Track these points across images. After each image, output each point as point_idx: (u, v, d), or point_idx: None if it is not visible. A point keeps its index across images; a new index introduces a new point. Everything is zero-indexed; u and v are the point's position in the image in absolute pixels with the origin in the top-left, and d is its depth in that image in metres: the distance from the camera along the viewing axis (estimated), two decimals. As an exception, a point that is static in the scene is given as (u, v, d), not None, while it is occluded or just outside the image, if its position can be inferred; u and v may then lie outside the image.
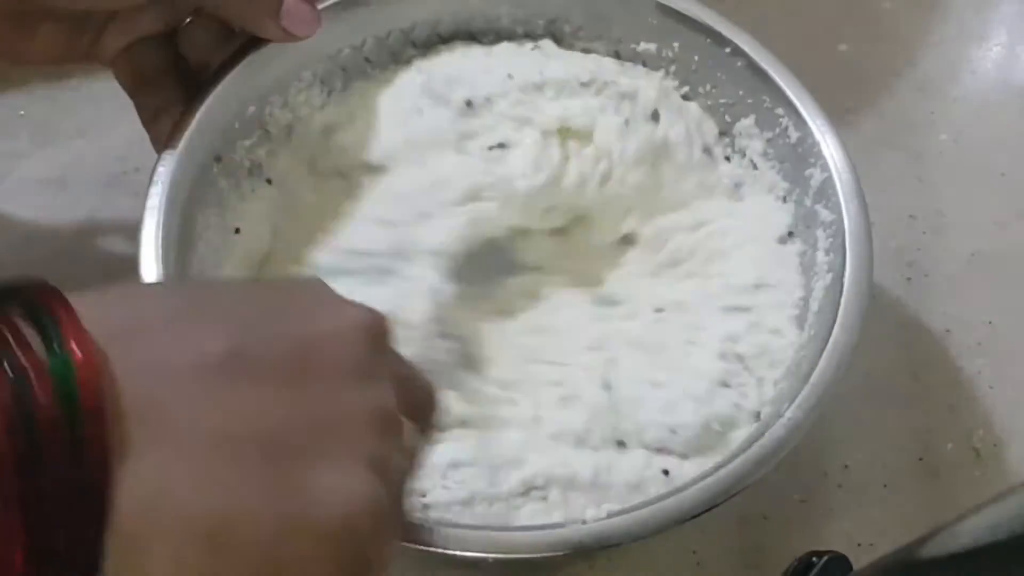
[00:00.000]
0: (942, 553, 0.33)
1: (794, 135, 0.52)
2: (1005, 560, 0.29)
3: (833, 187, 0.49)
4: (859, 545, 0.48)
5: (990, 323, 0.56)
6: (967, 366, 0.54)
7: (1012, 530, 0.29)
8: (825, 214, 0.49)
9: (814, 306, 0.48)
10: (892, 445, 0.52)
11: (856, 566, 0.42)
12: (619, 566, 0.49)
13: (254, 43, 0.51)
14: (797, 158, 0.52)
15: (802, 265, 0.51)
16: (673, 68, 0.57)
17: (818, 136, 0.50)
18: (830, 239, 0.49)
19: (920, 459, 0.51)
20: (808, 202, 0.51)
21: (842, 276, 0.46)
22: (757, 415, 0.46)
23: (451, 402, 0.46)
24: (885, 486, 0.51)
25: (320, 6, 0.53)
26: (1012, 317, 0.56)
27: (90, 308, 0.24)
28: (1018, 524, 0.29)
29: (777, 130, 0.53)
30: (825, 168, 0.49)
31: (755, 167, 0.54)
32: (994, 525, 0.30)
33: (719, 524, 0.49)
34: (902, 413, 0.53)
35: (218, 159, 0.51)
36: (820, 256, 0.49)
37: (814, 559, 0.43)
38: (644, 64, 0.58)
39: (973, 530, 0.32)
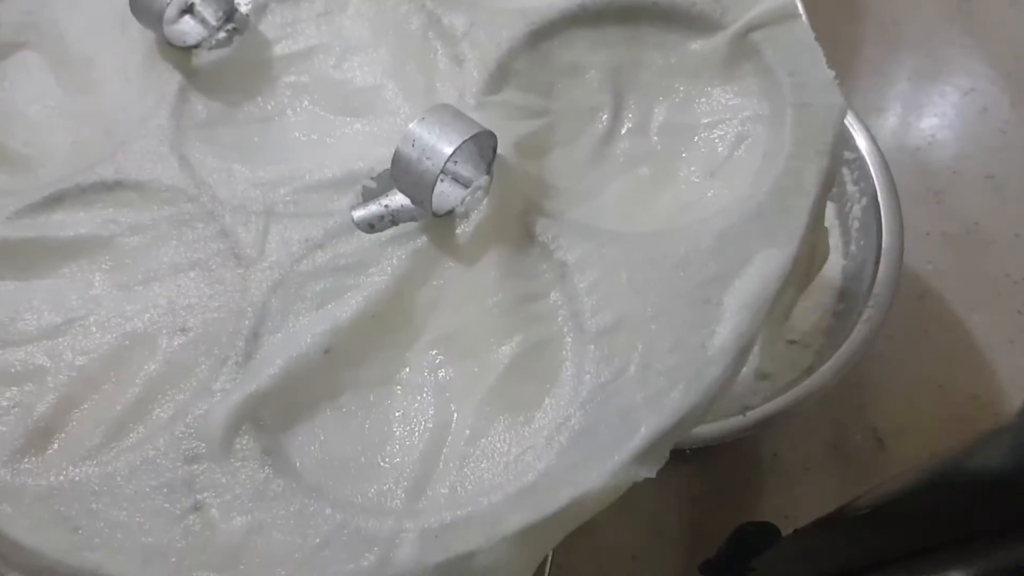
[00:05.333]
0: (850, 517, 0.38)
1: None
2: (894, 518, 0.34)
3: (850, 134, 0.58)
4: (786, 516, 0.54)
5: (890, 338, 0.62)
6: (871, 372, 0.61)
7: (903, 496, 0.34)
8: (847, 155, 0.58)
9: (856, 225, 0.58)
10: (812, 436, 0.59)
11: (784, 532, 0.47)
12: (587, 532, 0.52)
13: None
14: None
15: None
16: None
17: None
18: (856, 172, 0.58)
19: (835, 447, 0.58)
20: None
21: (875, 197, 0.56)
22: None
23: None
24: (807, 470, 0.57)
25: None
26: (904, 331, 0.62)
27: None
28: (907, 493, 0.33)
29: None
30: None
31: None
32: (889, 495, 0.35)
33: (674, 500, 0.55)
34: (819, 410, 0.59)
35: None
36: (850, 187, 0.58)
37: (750, 527, 0.49)
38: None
39: (873, 499, 0.36)
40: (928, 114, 0.75)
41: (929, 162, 0.72)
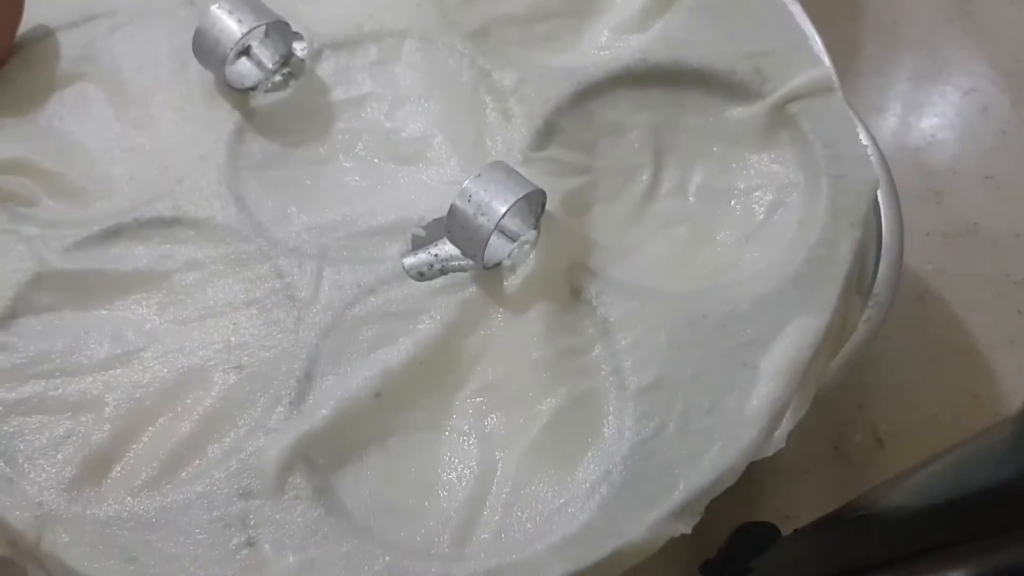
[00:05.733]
0: (850, 517, 0.39)
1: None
2: (894, 518, 0.34)
3: None
4: (786, 517, 0.55)
5: (889, 338, 0.62)
6: (870, 372, 0.62)
7: (903, 496, 0.34)
8: None
9: None
10: (811, 436, 0.59)
11: (783, 532, 0.48)
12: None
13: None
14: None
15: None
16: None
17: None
18: None
19: (835, 447, 0.59)
20: None
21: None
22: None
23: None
24: (806, 470, 0.58)
25: None
26: (904, 331, 0.63)
27: None
28: (907, 493, 0.34)
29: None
30: None
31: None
32: (890, 495, 0.36)
33: None
34: (819, 410, 0.58)
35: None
36: None
37: (750, 527, 0.50)
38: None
39: (873, 499, 0.37)
40: (928, 114, 0.75)
41: (929, 162, 0.72)
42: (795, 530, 0.46)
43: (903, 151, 0.73)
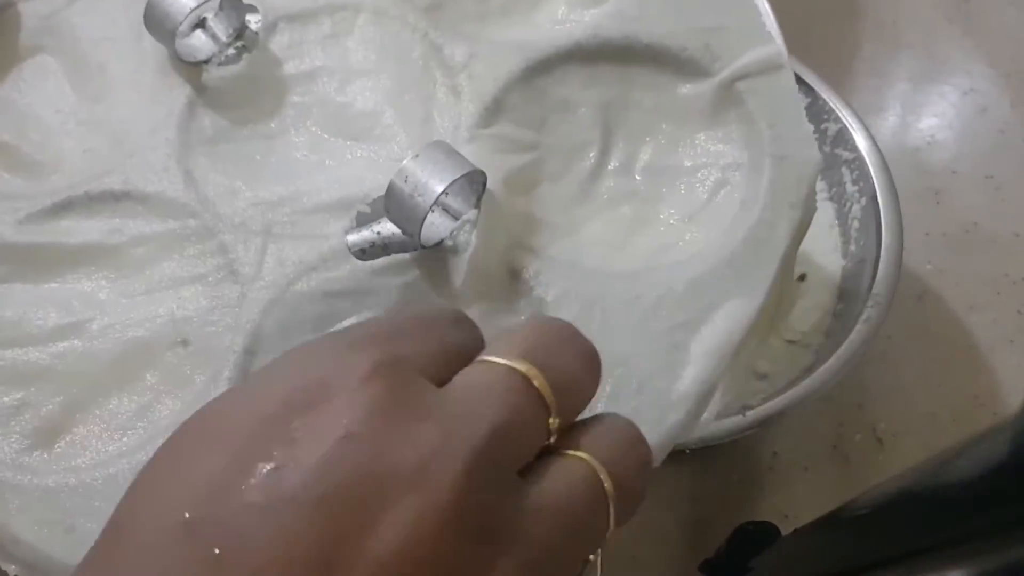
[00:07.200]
0: (849, 517, 0.40)
1: (805, 100, 0.63)
2: (894, 518, 0.35)
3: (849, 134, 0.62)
4: (786, 516, 0.57)
5: (889, 338, 0.64)
6: (870, 372, 0.63)
7: (903, 496, 0.35)
8: (846, 155, 0.62)
9: (855, 224, 0.60)
10: (811, 436, 0.60)
11: (783, 532, 0.50)
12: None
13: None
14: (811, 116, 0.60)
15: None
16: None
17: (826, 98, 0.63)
18: (855, 172, 0.61)
19: (834, 447, 0.60)
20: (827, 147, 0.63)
21: (875, 197, 0.58)
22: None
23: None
24: (806, 469, 0.59)
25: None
26: (904, 331, 0.64)
27: None
28: (907, 493, 0.35)
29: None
30: (839, 121, 0.62)
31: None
32: (889, 495, 0.36)
33: (674, 500, 0.58)
34: (819, 410, 0.60)
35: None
36: (849, 187, 0.61)
37: (749, 527, 0.51)
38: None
39: (872, 499, 0.37)
40: (927, 114, 0.77)
41: (928, 162, 0.73)
42: (795, 530, 0.46)
43: (902, 151, 0.74)
